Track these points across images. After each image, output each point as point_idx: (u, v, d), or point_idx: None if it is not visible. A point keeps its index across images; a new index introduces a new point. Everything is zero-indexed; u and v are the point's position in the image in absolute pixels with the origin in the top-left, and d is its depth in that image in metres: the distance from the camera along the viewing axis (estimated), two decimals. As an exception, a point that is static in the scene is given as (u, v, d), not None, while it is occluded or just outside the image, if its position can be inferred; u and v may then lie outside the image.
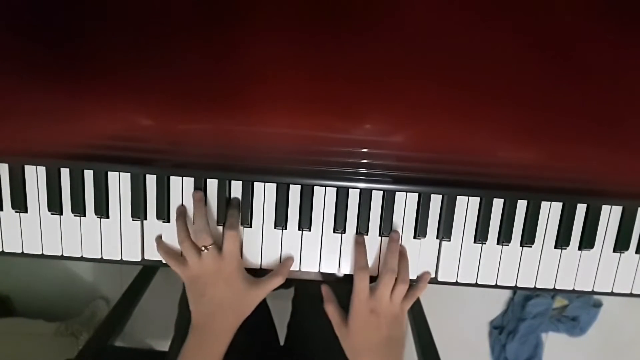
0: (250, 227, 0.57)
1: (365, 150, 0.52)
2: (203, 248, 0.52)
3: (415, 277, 0.58)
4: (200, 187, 0.56)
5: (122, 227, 0.57)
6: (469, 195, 0.56)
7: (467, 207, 0.56)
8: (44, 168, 0.56)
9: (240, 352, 0.70)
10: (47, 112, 0.52)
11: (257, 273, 0.57)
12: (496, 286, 0.59)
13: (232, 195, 0.56)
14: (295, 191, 0.56)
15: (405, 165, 0.53)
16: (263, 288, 0.55)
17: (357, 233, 0.57)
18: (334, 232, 0.57)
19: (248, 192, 0.56)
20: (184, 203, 0.56)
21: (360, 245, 0.55)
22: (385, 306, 0.53)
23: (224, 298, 0.53)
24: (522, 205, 0.56)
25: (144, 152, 0.53)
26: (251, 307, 0.55)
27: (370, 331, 0.53)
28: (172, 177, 0.56)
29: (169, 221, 0.57)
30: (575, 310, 1.35)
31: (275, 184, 0.56)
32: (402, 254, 0.56)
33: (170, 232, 0.57)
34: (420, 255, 0.58)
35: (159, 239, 0.57)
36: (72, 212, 0.57)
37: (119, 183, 0.56)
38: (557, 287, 0.58)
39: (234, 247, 0.53)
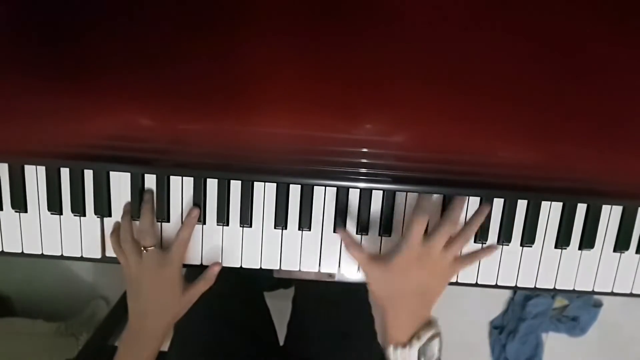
0: (250, 227, 0.57)
1: (365, 150, 0.52)
2: (143, 249, 0.53)
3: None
4: (199, 187, 0.56)
5: (122, 227, 0.57)
6: (469, 195, 0.56)
7: (467, 207, 0.56)
8: (44, 168, 0.56)
9: (239, 353, 0.70)
10: (47, 112, 0.52)
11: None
12: (496, 286, 0.59)
13: (231, 196, 0.56)
14: (295, 191, 0.56)
15: (406, 165, 0.53)
16: (193, 293, 0.56)
17: (357, 232, 0.57)
18: (334, 232, 0.57)
19: (248, 192, 0.56)
20: (183, 203, 0.57)
21: (429, 196, 0.52)
22: (435, 257, 0.48)
23: (158, 300, 0.54)
24: (522, 205, 0.56)
25: (144, 152, 0.53)
26: (183, 311, 0.56)
27: (409, 276, 0.48)
28: (172, 177, 0.56)
29: (168, 221, 0.57)
30: (575, 310, 1.35)
31: (275, 184, 0.56)
32: (480, 212, 0.53)
33: (170, 232, 0.57)
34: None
35: (115, 230, 0.57)
36: (72, 212, 0.57)
37: (119, 183, 0.56)
38: (557, 287, 0.58)
39: (181, 252, 0.54)
